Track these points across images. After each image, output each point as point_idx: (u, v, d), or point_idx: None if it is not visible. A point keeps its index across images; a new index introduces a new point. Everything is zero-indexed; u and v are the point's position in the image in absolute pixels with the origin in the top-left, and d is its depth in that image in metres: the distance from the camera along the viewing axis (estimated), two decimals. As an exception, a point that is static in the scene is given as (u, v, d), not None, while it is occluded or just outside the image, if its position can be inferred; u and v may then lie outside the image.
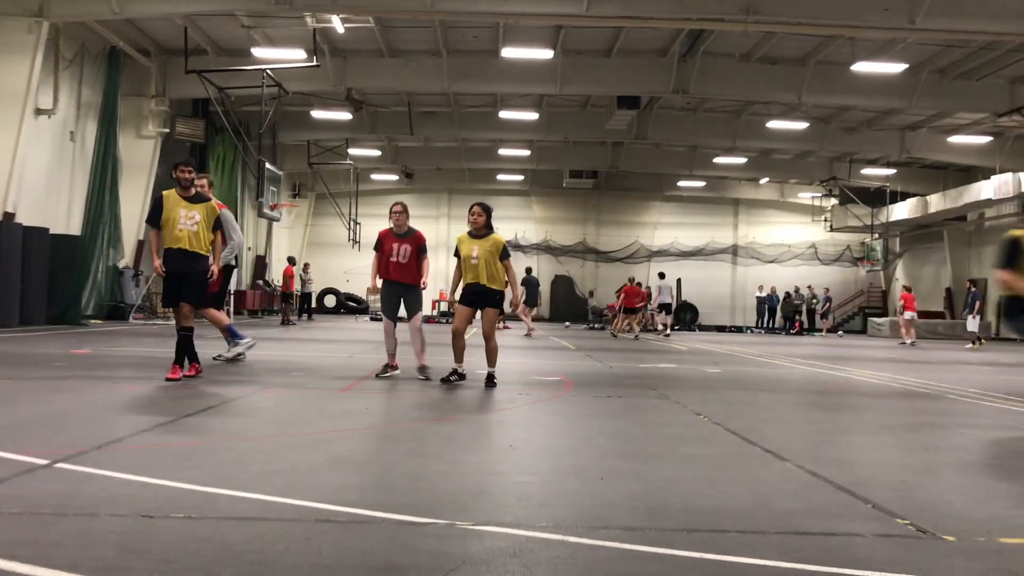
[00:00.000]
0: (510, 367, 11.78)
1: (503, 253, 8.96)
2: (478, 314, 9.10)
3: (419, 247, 9.42)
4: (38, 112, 18.47)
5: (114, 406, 6.68)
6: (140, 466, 4.23)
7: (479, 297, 8.89)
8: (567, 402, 7.89)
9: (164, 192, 8.54)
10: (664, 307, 26.55)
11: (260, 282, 33.32)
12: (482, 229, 8.99)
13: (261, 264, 34.31)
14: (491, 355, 9.05)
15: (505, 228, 40.48)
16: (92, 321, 19.61)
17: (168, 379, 8.14)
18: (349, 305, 39.18)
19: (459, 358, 9.11)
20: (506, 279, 9.06)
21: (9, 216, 17.08)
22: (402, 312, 9.49)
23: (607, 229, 41.65)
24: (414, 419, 6.59)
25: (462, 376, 9.12)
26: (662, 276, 27.17)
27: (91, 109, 21.28)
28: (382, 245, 9.44)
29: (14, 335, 14.37)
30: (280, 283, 28.99)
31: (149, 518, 3.29)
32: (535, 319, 25.26)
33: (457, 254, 8.99)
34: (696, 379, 11.01)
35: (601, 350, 17.05)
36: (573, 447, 5.43)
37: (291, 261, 28.00)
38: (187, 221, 8.28)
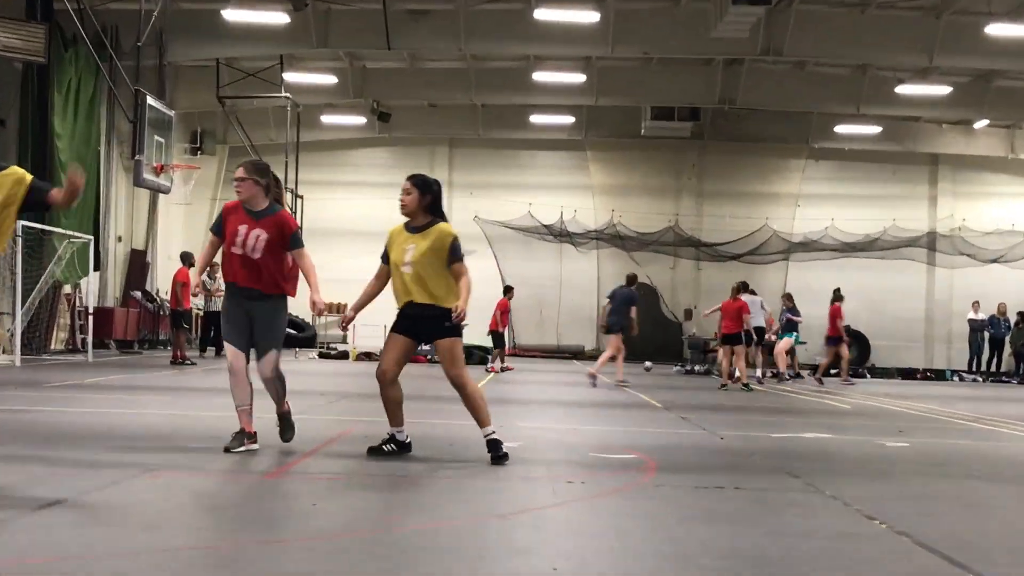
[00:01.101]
0: (552, 437, 11.77)
1: (452, 254, 9.09)
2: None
3: (285, 236, 9.38)
4: None
5: None
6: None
7: (419, 323, 9.14)
8: (648, 497, 7.86)
9: None
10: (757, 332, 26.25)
11: (137, 294, 33.55)
12: (419, 217, 9.08)
13: (139, 264, 34.54)
14: (474, 408, 9.19)
15: (543, 202, 40.55)
16: None
17: None
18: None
19: (394, 418, 9.30)
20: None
21: None
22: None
23: (714, 206, 41.42)
24: (393, 524, 6.57)
25: (402, 445, 9.33)
26: (745, 288, 26.29)
27: None
28: (223, 226, 9.47)
29: None
30: (169, 296, 29.12)
31: None
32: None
33: (385, 256, 9.31)
34: (867, 458, 10.91)
35: (704, 408, 16.99)
36: (659, 571, 5.37)
37: (186, 260, 28.16)
38: None
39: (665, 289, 41.46)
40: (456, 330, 9.11)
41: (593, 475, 8.83)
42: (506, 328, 30.13)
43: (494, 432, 9.06)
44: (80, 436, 10.31)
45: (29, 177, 8.51)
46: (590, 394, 19.54)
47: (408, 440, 9.35)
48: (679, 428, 13.48)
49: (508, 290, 30.04)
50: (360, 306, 9.45)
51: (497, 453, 8.89)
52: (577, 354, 40.20)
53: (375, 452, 9.18)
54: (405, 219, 9.21)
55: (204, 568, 5.18)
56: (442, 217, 9.23)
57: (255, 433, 9.50)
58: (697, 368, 33.64)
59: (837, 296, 27.50)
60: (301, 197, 35.85)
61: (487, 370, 27.29)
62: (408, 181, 9.18)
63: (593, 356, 40.23)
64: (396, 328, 9.16)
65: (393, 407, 9.19)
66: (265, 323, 9.41)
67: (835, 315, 26.95)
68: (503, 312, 28.98)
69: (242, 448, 9.30)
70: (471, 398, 9.13)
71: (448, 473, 8.58)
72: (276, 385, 9.52)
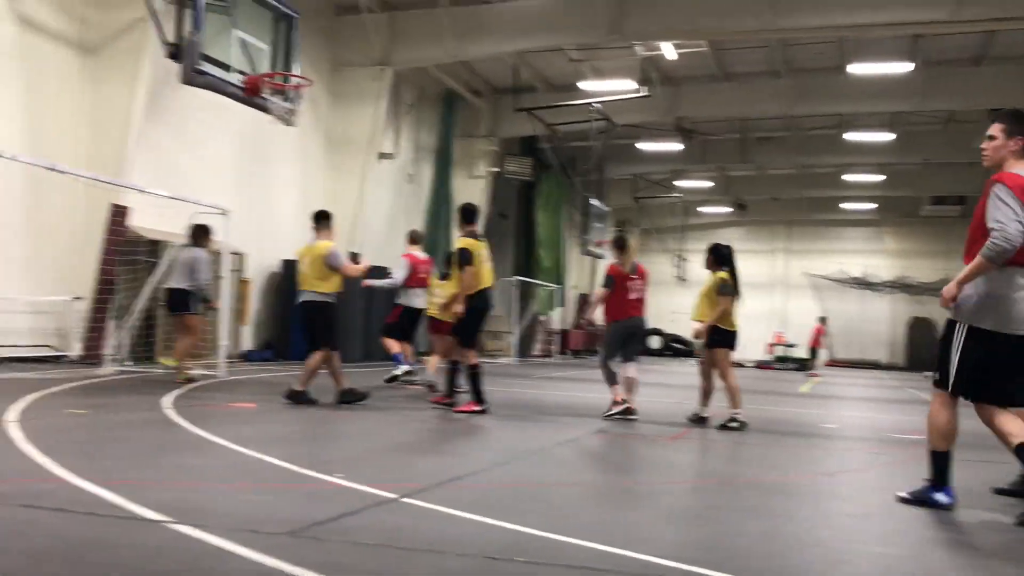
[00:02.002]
0: (860, 422, 11.15)
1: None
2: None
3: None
4: (380, 156, 20.55)
5: (455, 443, 7.19)
6: (480, 506, 4.49)
7: None
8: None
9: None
10: None
11: (583, 321, 34.37)
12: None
13: (584, 302, 35.41)
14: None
15: (851, 262, 38.63)
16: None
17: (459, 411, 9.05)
18: (674, 347, 39.24)
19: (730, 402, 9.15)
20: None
21: (354, 257, 19.09)
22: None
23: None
24: (754, 475, 6.42)
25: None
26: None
27: (427, 151, 23.31)
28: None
29: (360, 369, 15.95)
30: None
31: (493, 560, 3.48)
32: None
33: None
34: None
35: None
36: (941, 518, 4.96)
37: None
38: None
39: (940, 321, 38.39)
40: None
41: (891, 449, 8.31)
42: (819, 346, 28.66)
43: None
44: (554, 408, 10.66)
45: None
46: (884, 392, 18.36)
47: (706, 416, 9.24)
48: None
49: (823, 320, 28.77)
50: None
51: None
52: (876, 365, 37.88)
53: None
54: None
55: (632, 498, 5.22)
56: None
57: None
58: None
59: None
60: (686, 260, 35.67)
61: (807, 376, 26.00)
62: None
63: (888, 368, 37.85)
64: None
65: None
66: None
67: None
68: (819, 335, 27.70)
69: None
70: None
71: (786, 442, 8.30)
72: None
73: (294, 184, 19.05)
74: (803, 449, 7.97)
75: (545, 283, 29.67)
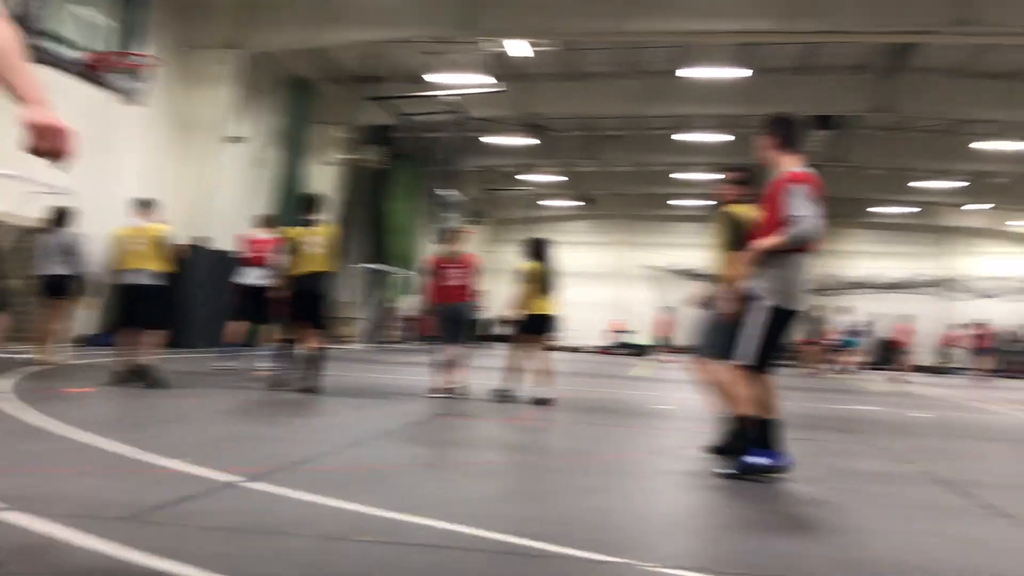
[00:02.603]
0: (686, 403, 11.65)
1: None
2: None
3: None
4: (230, 140, 19.89)
5: (301, 426, 7.08)
6: (321, 487, 4.46)
7: None
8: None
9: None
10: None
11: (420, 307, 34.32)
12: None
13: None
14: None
15: (684, 256, 40.07)
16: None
17: None
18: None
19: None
20: None
21: (199, 240, 18.42)
22: None
23: (799, 259, 40.35)
24: (589, 453, 6.60)
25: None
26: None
27: (278, 137, 22.74)
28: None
29: (194, 355, 15.46)
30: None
31: (333, 540, 3.47)
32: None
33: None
34: (899, 424, 10.46)
35: (788, 388, 16.52)
36: (761, 493, 5.26)
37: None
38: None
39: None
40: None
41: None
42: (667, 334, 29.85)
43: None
44: (401, 392, 10.61)
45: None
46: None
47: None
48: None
49: (669, 309, 30.04)
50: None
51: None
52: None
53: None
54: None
55: (479, 477, 5.30)
56: None
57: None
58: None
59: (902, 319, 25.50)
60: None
61: (657, 360, 27.09)
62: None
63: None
64: None
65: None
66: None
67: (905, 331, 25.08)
68: (666, 323, 28.89)
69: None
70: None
71: (622, 421, 8.53)
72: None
73: (139, 166, 18.20)
74: (637, 429, 8.24)
75: (397, 270, 29.48)
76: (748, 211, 5.84)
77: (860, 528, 4.33)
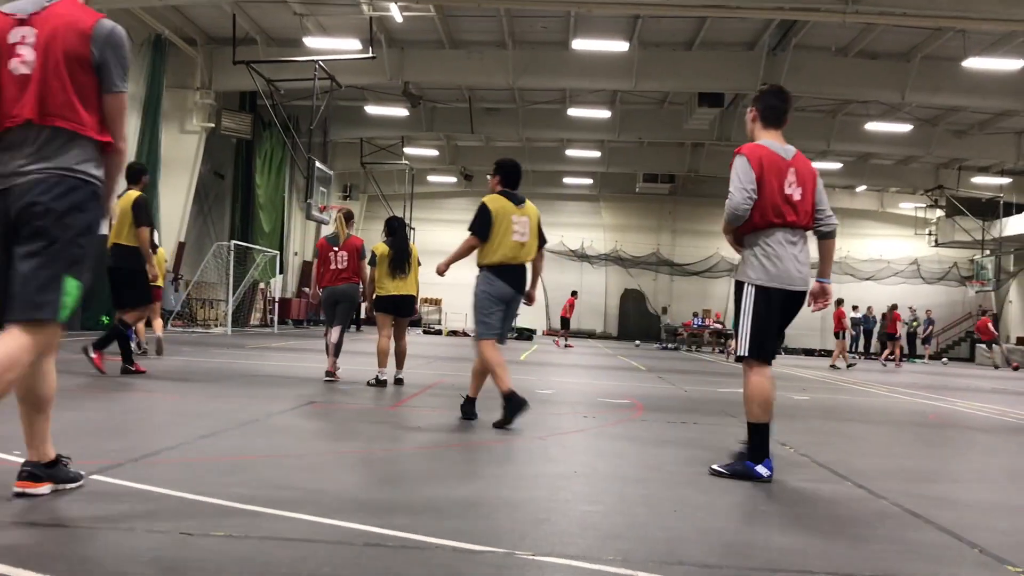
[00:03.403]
0: (574, 388, 11.77)
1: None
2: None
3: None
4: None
5: (154, 416, 6.86)
6: (178, 481, 4.33)
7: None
8: (637, 427, 7.85)
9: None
10: None
11: (306, 290, 33.84)
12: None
13: (307, 270, 34.83)
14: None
15: (571, 236, 40.56)
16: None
17: None
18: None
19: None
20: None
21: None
22: None
23: (684, 239, 41.36)
24: (466, 439, 6.62)
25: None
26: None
27: (133, 101, 21.88)
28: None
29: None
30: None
31: (188, 536, 3.37)
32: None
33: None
34: (782, 407, 10.84)
35: (674, 372, 16.94)
36: (643, 476, 5.39)
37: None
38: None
39: (650, 293, 41.41)
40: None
41: (601, 412, 8.85)
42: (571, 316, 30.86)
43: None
44: (268, 379, 10.46)
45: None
46: (595, 361, 19.50)
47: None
48: (657, 384, 13.47)
49: (574, 293, 31.54)
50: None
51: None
52: (591, 335, 40.23)
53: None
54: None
55: (347, 467, 5.25)
56: None
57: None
58: (669, 346, 33.61)
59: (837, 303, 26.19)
60: (414, 229, 35.94)
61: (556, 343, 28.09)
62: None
63: (602, 336, 40.23)
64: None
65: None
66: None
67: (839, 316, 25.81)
68: (571, 306, 30.08)
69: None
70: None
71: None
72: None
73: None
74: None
75: (264, 248, 28.86)
76: None
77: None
